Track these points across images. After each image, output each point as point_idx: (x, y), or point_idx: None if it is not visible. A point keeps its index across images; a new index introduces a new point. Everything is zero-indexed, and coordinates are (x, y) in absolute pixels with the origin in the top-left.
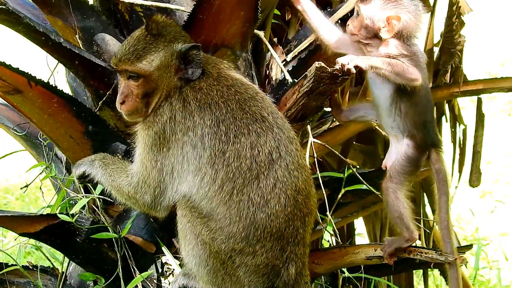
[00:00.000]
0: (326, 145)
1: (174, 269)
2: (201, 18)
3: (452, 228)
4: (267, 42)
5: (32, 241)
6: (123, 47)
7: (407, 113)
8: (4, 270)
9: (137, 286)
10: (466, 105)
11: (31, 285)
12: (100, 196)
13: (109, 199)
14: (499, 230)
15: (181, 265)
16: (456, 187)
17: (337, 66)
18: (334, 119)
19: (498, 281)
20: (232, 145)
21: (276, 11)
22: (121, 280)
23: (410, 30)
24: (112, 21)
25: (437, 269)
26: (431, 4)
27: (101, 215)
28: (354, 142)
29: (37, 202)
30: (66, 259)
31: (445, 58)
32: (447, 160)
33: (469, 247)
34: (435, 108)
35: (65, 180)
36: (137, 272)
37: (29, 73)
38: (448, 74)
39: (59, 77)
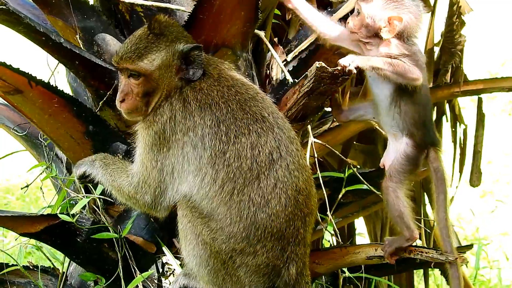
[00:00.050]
0: (327, 145)
1: (174, 269)
2: (201, 18)
3: (450, 226)
4: (267, 42)
5: (33, 241)
6: (125, 45)
7: (407, 112)
8: (5, 270)
9: (138, 286)
10: (466, 105)
11: (32, 285)
12: (101, 196)
13: (110, 199)
14: (499, 230)
15: (181, 265)
16: (456, 187)
17: (338, 67)
18: (335, 119)
19: (499, 281)
20: (232, 145)
21: (277, 11)
22: (122, 280)
23: (410, 30)
24: (112, 21)
25: (438, 269)
26: (432, 3)
27: (101, 215)
28: (354, 142)
29: (37, 202)
30: (67, 259)
31: (446, 58)
32: (448, 160)
33: (470, 247)
34: (435, 108)
35: (66, 180)
36: (138, 272)
37: (29, 73)
38: (449, 74)
39: (59, 77)
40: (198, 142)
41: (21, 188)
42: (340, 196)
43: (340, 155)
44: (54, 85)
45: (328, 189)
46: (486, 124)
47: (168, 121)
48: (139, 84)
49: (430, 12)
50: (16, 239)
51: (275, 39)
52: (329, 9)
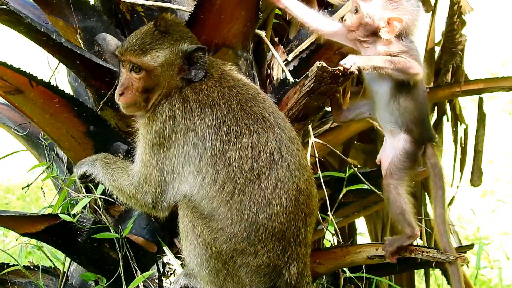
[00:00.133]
0: (328, 144)
1: (175, 269)
2: (202, 18)
3: (448, 222)
4: (268, 42)
5: (34, 241)
6: (130, 38)
7: (407, 108)
8: (6, 270)
9: (139, 286)
10: (467, 105)
11: (33, 285)
12: (102, 196)
13: (111, 199)
14: (500, 230)
15: (182, 265)
16: (457, 186)
17: (340, 68)
18: (334, 120)
19: (500, 280)
20: (233, 145)
21: (277, 11)
22: (123, 280)
23: (409, 30)
24: (113, 21)
25: (439, 269)
26: (432, 3)
27: (102, 215)
28: (355, 142)
29: (38, 202)
30: (68, 259)
31: (446, 58)
32: (449, 160)
33: (471, 246)
34: (436, 107)
35: (67, 180)
36: (139, 272)
37: (30, 73)
38: (449, 74)
39: (60, 77)
40: (199, 142)
41: (22, 188)
42: (341, 196)
43: (341, 154)
44: (55, 85)
45: (329, 189)
46: (486, 124)
47: (167, 120)
48: (140, 79)
49: (431, 12)
50: (17, 239)
51: (276, 39)
52: (330, 9)
